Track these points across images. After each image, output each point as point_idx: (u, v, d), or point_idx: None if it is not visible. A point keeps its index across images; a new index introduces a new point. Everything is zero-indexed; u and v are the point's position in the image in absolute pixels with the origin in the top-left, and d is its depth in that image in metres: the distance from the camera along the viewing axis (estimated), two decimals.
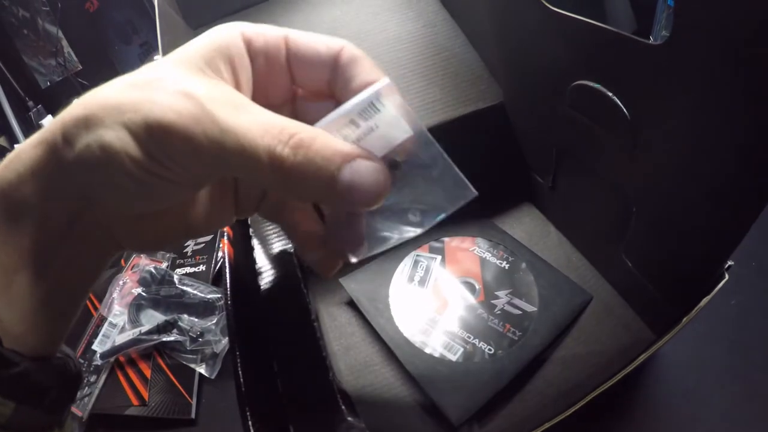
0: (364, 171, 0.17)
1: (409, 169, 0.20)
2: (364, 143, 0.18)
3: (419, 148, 0.19)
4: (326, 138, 0.17)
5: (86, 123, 0.16)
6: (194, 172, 0.17)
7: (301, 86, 0.22)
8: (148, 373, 0.44)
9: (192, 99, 0.16)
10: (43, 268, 0.18)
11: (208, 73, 0.18)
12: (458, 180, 0.19)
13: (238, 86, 0.19)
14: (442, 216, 0.20)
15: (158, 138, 0.16)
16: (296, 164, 0.16)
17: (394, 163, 0.19)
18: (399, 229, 0.20)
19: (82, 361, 0.46)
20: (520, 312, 0.37)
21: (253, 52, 0.19)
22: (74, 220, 0.18)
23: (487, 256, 0.41)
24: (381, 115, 0.17)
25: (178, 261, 0.53)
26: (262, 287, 0.31)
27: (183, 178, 0.17)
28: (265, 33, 0.20)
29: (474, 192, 0.20)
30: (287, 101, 0.22)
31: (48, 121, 0.85)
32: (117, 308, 0.49)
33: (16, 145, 0.90)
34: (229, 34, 0.19)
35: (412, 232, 0.20)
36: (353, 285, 0.40)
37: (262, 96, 0.20)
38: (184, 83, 0.17)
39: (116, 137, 0.16)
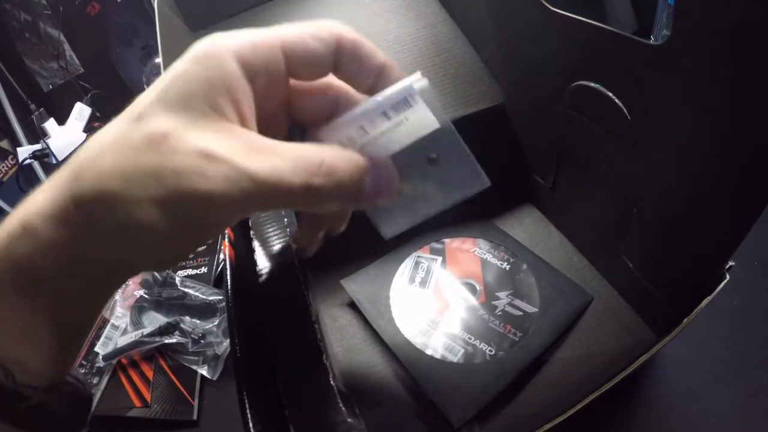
0: (384, 175, 0.20)
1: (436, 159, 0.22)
2: (393, 134, 0.19)
3: (444, 140, 0.21)
4: (346, 155, 0.18)
5: (106, 200, 0.16)
6: (232, 221, 0.18)
7: (299, 83, 0.21)
8: (150, 374, 0.44)
9: (216, 160, 0.16)
10: (53, 301, 0.18)
11: (211, 116, 0.16)
12: (475, 171, 0.22)
13: (243, 120, 0.18)
14: (458, 200, 0.23)
15: (193, 208, 0.16)
16: (330, 188, 0.17)
17: (431, 159, 0.22)
18: (419, 210, 0.24)
19: (84, 363, 0.46)
20: (521, 313, 0.37)
21: (251, 74, 0.18)
22: (89, 267, 0.18)
23: (488, 257, 0.41)
24: (412, 110, 0.19)
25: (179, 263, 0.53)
26: (263, 289, 0.31)
27: (215, 229, 0.18)
28: (260, 48, 0.18)
29: (488, 182, 0.23)
30: (283, 102, 0.21)
31: (50, 125, 0.85)
32: (119, 310, 0.50)
33: (19, 149, 0.90)
34: (222, 62, 0.17)
35: (431, 211, 0.24)
36: (354, 286, 0.40)
37: (259, 109, 0.19)
38: (197, 141, 0.16)
39: (146, 215, 0.15)
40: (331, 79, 0.21)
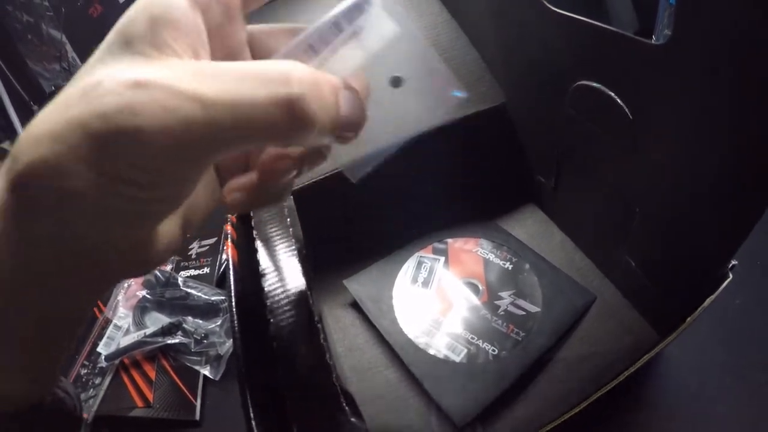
0: (351, 98, 0.16)
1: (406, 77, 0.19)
2: (347, 50, 0.17)
3: (409, 52, 0.18)
4: (313, 71, 0.15)
5: (37, 171, 0.13)
6: (181, 172, 0.14)
7: (259, 28, 0.19)
8: (152, 374, 0.44)
9: (148, 87, 0.12)
10: (23, 313, 0.15)
11: (154, 55, 0.14)
12: (450, 82, 0.19)
13: (195, 55, 0.15)
14: (434, 123, 0.20)
15: (126, 153, 0.12)
16: (313, 103, 0.14)
17: (396, 79, 0.19)
18: (388, 142, 0.20)
19: (87, 363, 0.47)
20: (524, 313, 0.37)
21: (201, 4, 0.15)
22: (52, 261, 0.15)
23: (491, 257, 0.41)
24: (367, 17, 0.16)
25: (182, 263, 0.53)
26: (265, 289, 0.31)
27: (168, 187, 0.14)
28: None
29: (465, 93, 0.19)
30: (243, 44, 0.19)
31: None
32: (122, 310, 0.50)
33: None
34: None
35: (402, 140, 0.20)
36: (357, 286, 0.40)
37: (216, 49, 0.17)
38: (127, 74, 0.13)
39: (78, 176, 0.12)
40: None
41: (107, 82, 0.13)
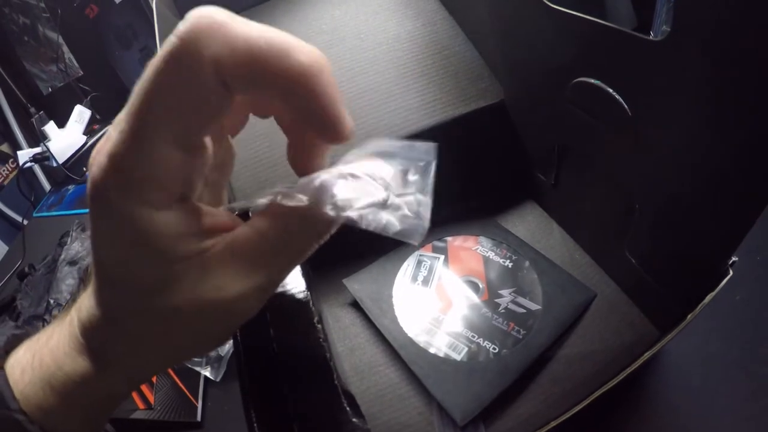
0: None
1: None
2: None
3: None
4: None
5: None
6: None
7: None
8: (153, 377, 0.44)
9: None
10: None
11: None
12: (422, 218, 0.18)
13: None
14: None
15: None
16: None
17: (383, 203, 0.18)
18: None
19: None
20: (524, 310, 0.37)
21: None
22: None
23: (491, 254, 0.41)
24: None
25: None
26: None
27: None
28: None
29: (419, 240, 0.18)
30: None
31: (50, 128, 0.85)
32: None
33: (19, 152, 0.90)
34: None
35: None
36: (356, 286, 0.40)
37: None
38: None
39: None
40: None
41: None
